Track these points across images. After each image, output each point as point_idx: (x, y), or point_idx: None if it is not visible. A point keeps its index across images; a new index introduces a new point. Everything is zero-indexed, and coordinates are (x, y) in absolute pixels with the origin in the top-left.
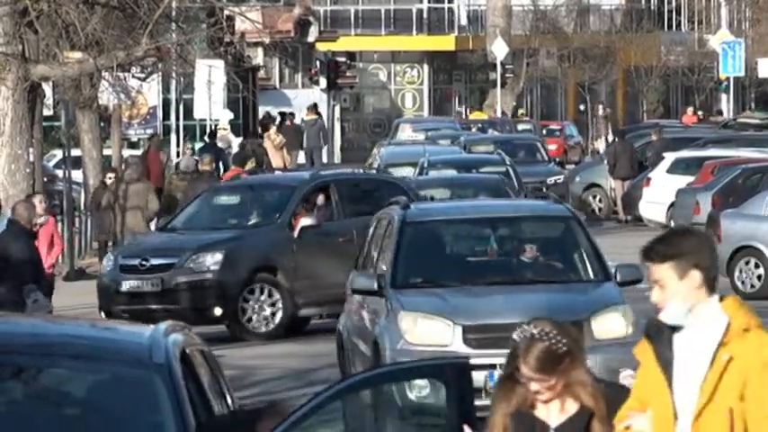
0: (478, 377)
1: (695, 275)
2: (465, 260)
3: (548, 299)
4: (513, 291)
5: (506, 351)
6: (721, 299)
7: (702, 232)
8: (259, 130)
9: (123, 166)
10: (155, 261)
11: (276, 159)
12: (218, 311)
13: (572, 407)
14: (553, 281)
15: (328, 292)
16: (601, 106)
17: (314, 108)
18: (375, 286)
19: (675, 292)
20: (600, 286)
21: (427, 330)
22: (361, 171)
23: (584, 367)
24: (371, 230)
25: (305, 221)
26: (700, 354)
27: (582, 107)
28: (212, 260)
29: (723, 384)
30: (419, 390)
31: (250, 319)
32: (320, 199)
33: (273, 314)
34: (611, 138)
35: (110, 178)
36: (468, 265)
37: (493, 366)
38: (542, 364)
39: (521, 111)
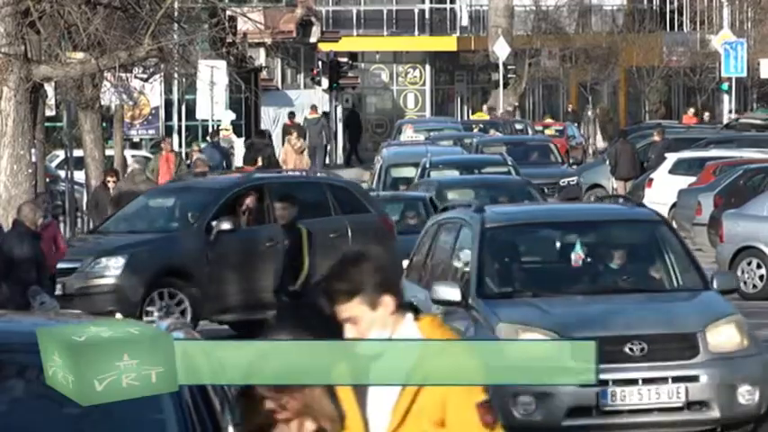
0: (589, 394)
1: (387, 301)
2: (553, 267)
3: (657, 310)
4: (616, 301)
5: (616, 366)
6: (417, 318)
7: (372, 253)
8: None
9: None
10: (59, 265)
11: (295, 163)
12: (118, 317)
13: (311, 427)
14: (651, 290)
15: (241, 297)
16: (590, 107)
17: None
18: (459, 297)
19: (372, 323)
20: (704, 295)
21: None
22: (304, 174)
23: (323, 387)
24: (429, 236)
25: (222, 225)
26: (394, 377)
27: (570, 108)
28: (114, 265)
29: (416, 408)
30: (523, 406)
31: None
32: (248, 202)
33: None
34: (599, 139)
35: (110, 181)
36: (557, 273)
37: (605, 383)
38: None
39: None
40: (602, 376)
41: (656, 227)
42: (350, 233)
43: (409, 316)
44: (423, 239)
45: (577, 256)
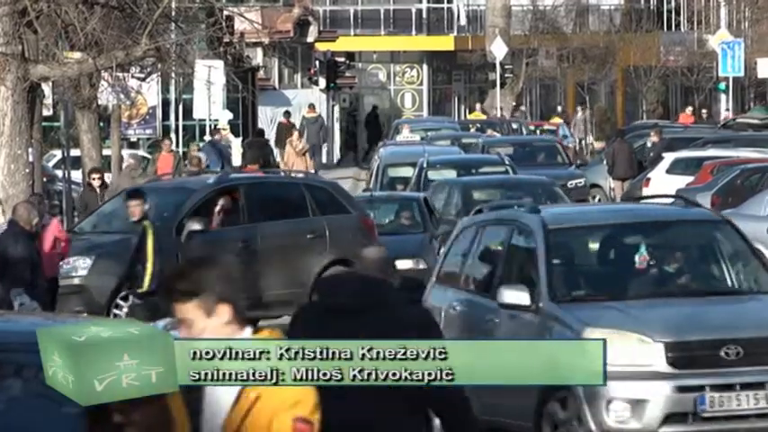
0: (686, 401)
1: (224, 310)
2: (619, 270)
3: (746, 312)
4: (697, 304)
5: (712, 371)
6: (256, 330)
7: (221, 261)
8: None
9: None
10: None
11: (298, 164)
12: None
13: None
14: (725, 292)
15: None
16: (579, 107)
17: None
18: (528, 301)
19: (203, 330)
20: None
21: (624, 349)
22: (283, 174)
23: (167, 402)
24: (468, 238)
25: (192, 226)
26: (229, 391)
27: (560, 107)
28: (81, 265)
29: (247, 424)
30: (617, 413)
31: None
32: (221, 203)
33: (149, 321)
34: (591, 140)
35: (94, 179)
36: (626, 276)
37: (701, 388)
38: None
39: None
40: (699, 381)
41: (720, 227)
42: (328, 234)
43: (248, 329)
44: (458, 242)
45: (642, 258)
